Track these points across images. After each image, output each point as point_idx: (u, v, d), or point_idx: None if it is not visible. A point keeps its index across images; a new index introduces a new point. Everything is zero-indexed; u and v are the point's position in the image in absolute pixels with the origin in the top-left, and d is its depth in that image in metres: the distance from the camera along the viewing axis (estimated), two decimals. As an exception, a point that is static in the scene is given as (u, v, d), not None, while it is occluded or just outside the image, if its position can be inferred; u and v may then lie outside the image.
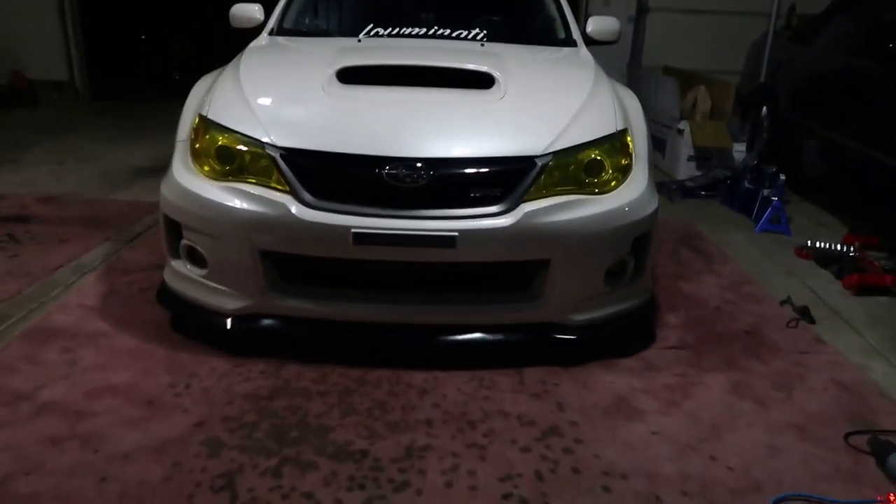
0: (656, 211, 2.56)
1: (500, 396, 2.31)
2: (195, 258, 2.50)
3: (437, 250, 2.30)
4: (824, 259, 3.65)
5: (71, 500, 1.77)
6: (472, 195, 2.34)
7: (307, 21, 3.75)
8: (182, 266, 2.55)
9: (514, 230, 2.30)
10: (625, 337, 2.67)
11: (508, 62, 2.86)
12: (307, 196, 2.31)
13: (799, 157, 4.89)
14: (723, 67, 6.94)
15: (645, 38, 7.47)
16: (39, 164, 5.09)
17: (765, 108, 5.43)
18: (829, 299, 3.25)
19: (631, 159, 2.58)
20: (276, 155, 2.34)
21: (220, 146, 2.44)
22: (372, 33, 3.33)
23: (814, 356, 2.69)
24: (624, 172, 2.54)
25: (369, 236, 2.27)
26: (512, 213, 2.32)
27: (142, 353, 2.48)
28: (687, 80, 5.77)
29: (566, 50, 3.42)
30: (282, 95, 2.65)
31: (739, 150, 5.18)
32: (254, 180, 2.37)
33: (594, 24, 3.57)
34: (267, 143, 2.36)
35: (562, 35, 3.63)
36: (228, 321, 2.47)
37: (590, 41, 3.56)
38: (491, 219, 2.31)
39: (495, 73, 2.67)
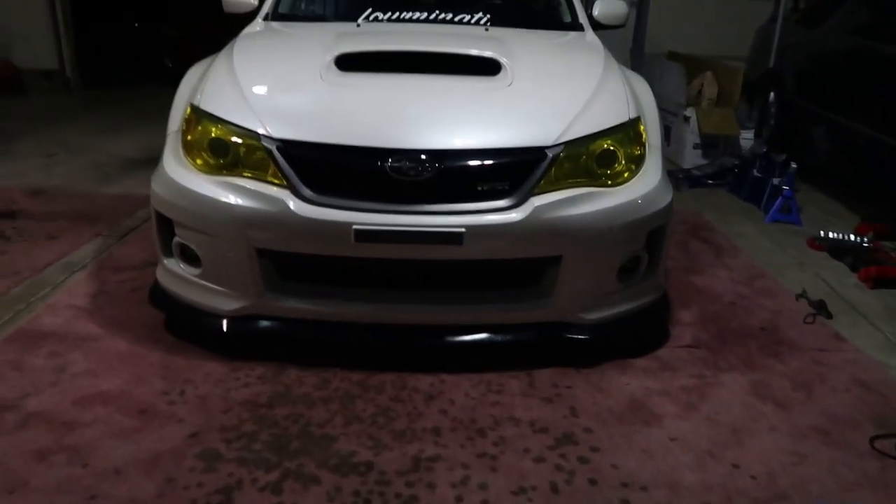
0: (671, 203, 2.45)
1: (511, 401, 2.20)
2: (189, 257, 2.38)
3: (443, 247, 2.19)
4: (838, 250, 3.54)
5: (58, 520, 1.67)
6: (479, 189, 2.22)
7: (303, 5, 3.61)
8: (175, 265, 2.43)
9: (524, 225, 2.18)
10: (638, 335, 2.56)
11: (515, 47, 2.73)
12: (306, 191, 2.19)
13: (808, 143, 4.78)
14: (727, 52, 6.81)
15: (648, 23, 7.29)
16: (28, 156, 4.95)
17: (772, 94, 5.30)
18: (844, 293, 3.14)
19: (644, 149, 2.46)
20: (273, 147, 2.22)
21: (214, 138, 2.31)
22: (371, 18, 3.19)
23: (833, 354, 2.59)
24: (637, 163, 2.42)
25: (372, 233, 2.15)
26: (521, 208, 2.20)
27: (134, 358, 2.37)
28: (692, 65, 5.63)
29: (573, 34, 3.29)
30: (278, 84, 2.52)
31: (747, 137, 5.07)
32: (249, 174, 2.25)
33: (601, 8, 3.43)
34: (262, 135, 2.24)
35: (568, 19, 3.49)
36: (224, 323, 2.36)
37: (596, 25, 3.43)
38: (499, 213, 2.19)
39: (502, 59, 2.54)
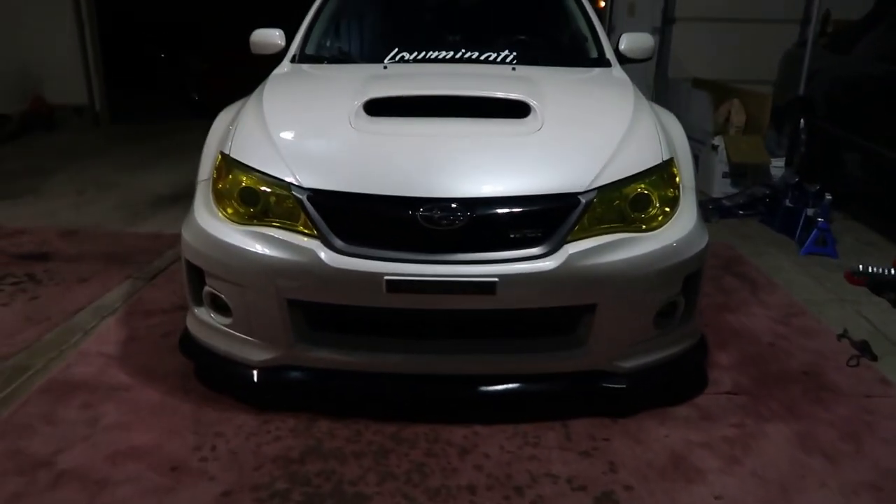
0: (707, 246, 2.39)
1: (547, 455, 2.14)
2: (219, 306, 2.37)
3: (475, 297, 2.15)
4: (878, 285, 3.44)
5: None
6: (511, 236, 2.18)
7: (330, 45, 3.63)
8: (205, 314, 2.43)
9: (558, 274, 2.14)
10: (676, 382, 2.49)
11: (543, 88, 2.71)
12: (336, 241, 2.17)
13: (841, 170, 4.69)
14: (752, 77, 6.74)
15: (671, 50, 7.26)
16: (59, 195, 5.02)
17: (802, 121, 5.21)
18: (888, 331, 3.04)
19: (678, 190, 2.42)
20: (303, 197, 2.21)
21: (244, 187, 2.31)
22: (398, 58, 3.20)
23: (881, 400, 2.50)
24: (671, 205, 2.37)
25: (403, 284, 2.12)
26: (555, 256, 2.16)
27: (165, 409, 2.35)
28: (719, 92, 5.58)
29: (600, 71, 3.26)
30: (307, 131, 2.52)
31: (777, 165, 4.98)
32: (279, 224, 2.24)
33: (627, 42, 3.41)
34: (293, 185, 2.23)
35: (594, 54, 3.46)
36: (255, 373, 2.34)
37: (623, 59, 3.40)
38: (532, 262, 2.15)
39: (531, 102, 2.52)
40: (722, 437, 2.25)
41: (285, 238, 2.20)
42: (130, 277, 3.47)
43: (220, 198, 2.37)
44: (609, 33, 7.52)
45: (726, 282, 3.53)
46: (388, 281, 2.11)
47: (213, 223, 2.32)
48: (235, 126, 2.54)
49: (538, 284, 2.15)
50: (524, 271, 2.14)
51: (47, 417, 2.29)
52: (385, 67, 3.07)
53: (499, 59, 3.21)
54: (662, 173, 2.38)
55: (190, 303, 2.47)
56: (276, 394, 2.37)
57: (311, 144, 2.45)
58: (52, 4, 7.47)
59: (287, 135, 2.43)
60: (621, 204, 2.28)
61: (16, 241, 3.96)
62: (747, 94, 5.37)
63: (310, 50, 3.43)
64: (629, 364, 2.32)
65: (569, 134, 2.44)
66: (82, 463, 2.08)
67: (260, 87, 2.90)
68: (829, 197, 3.97)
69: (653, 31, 7.24)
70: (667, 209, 2.36)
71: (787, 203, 4.34)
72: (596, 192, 2.23)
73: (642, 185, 2.31)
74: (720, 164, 5.07)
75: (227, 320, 2.35)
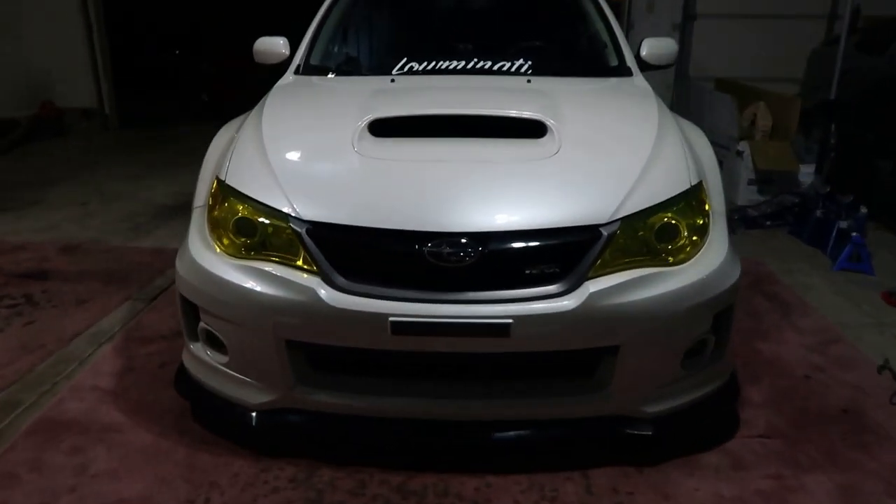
0: (739, 278, 2.20)
1: (566, 511, 1.98)
2: (215, 343, 2.22)
3: (488, 340, 1.98)
4: (919, 307, 3.24)
5: None
6: (527, 272, 2.01)
7: (336, 54, 3.45)
8: (201, 350, 2.28)
9: (578, 314, 1.96)
10: (706, 426, 2.31)
11: (560, 103, 2.52)
12: (338, 278, 2.00)
13: (875, 178, 4.45)
14: (777, 75, 6.51)
15: (692, 47, 7.02)
16: (62, 206, 4.92)
17: (832, 125, 4.97)
18: (932, 361, 2.83)
19: (708, 218, 2.23)
20: (302, 230, 2.04)
21: (240, 218, 2.15)
22: (406, 68, 3.02)
23: (929, 444, 2.30)
24: (700, 234, 2.18)
25: (410, 326, 1.95)
26: (575, 294, 1.98)
27: (158, 454, 2.21)
28: (743, 94, 5.34)
29: (621, 80, 3.06)
30: (308, 155, 2.35)
31: (807, 172, 4.75)
32: (277, 258, 2.08)
33: (649, 47, 3.22)
34: (291, 216, 2.07)
35: (614, 62, 3.26)
36: (253, 416, 2.19)
37: (644, 66, 3.21)
38: (550, 301, 1.97)
39: (547, 121, 2.34)
40: (756, 491, 2.06)
41: (283, 275, 2.04)
42: (130, 299, 3.34)
43: (216, 227, 2.22)
44: (627, 31, 7.31)
45: (756, 304, 3.33)
46: (393, 323, 1.95)
47: (207, 256, 2.17)
48: (232, 149, 2.38)
49: (556, 326, 1.97)
50: (541, 312, 1.96)
51: (33, 464, 2.16)
52: (393, 80, 2.89)
53: (513, 69, 3.02)
54: (690, 200, 2.19)
55: (185, 338, 2.33)
56: (275, 438, 2.22)
57: (311, 171, 2.28)
58: (60, 8, 7.39)
59: (286, 160, 2.27)
60: (646, 235, 2.09)
61: (15, 258, 3.85)
62: (774, 97, 5.13)
63: (315, 60, 3.26)
64: (655, 408, 2.14)
65: (588, 158, 2.25)
66: (67, 518, 1.94)
67: (260, 102, 2.74)
68: (864, 210, 3.75)
69: (673, 28, 7.02)
70: (695, 238, 2.17)
71: (818, 214, 4.12)
72: (619, 223, 2.04)
73: (669, 214, 2.13)
74: (746, 171, 4.85)
75: (224, 358, 2.20)
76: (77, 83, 7.68)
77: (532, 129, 2.32)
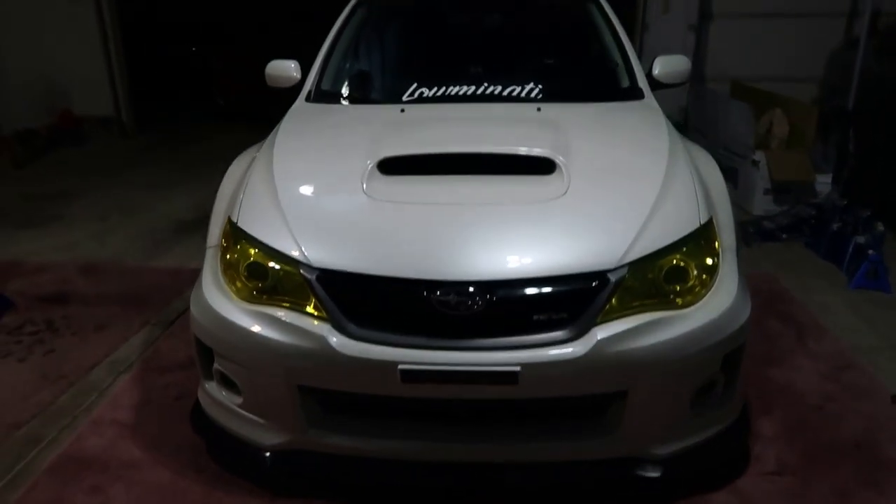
0: (749, 318, 2.19)
1: (575, 556, 2.00)
2: (229, 383, 2.27)
3: (497, 387, 2.00)
4: (937, 329, 3.20)
5: None
6: (535, 318, 2.02)
7: (346, 78, 3.44)
8: (216, 390, 2.32)
9: (586, 361, 1.97)
10: (716, 465, 2.31)
11: (570, 136, 2.52)
12: (348, 325, 2.03)
13: (891, 189, 4.37)
14: (796, 75, 6.40)
15: (708, 47, 6.91)
16: (83, 221, 5.00)
17: (851, 133, 4.89)
18: (950, 389, 2.81)
19: (717, 257, 2.22)
20: (312, 277, 2.07)
21: (252, 262, 2.19)
22: (416, 94, 3.02)
23: (944, 482, 2.29)
24: (710, 273, 2.18)
25: (419, 373, 1.98)
26: (582, 340, 1.99)
27: (175, 492, 2.27)
28: (759, 100, 5.27)
29: (632, 105, 3.04)
30: (318, 197, 2.38)
31: (824, 181, 4.69)
32: (288, 304, 2.11)
33: (661, 66, 3.19)
34: (301, 262, 2.09)
35: (626, 82, 3.23)
36: (267, 457, 2.23)
37: (656, 85, 3.18)
38: (558, 347, 1.98)
39: (557, 158, 2.34)
40: (766, 534, 2.07)
41: (294, 321, 2.07)
42: (148, 324, 3.40)
43: (228, 269, 2.26)
44: (643, 32, 7.23)
45: (770, 325, 3.31)
46: (402, 371, 1.97)
47: (220, 301, 2.21)
48: (244, 189, 2.41)
49: (564, 372, 1.98)
50: (549, 359, 1.97)
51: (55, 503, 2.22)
52: (403, 110, 2.89)
53: (523, 94, 3.01)
54: (700, 239, 2.18)
55: (201, 377, 2.37)
56: (289, 479, 2.26)
57: (321, 214, 2.30)
58: (76, 17, 7.45)
59: (296, 202, 2.29)
60: (655, 277, 2.09)
61: (36, 281, 3.93)
62: (791, 104, 5.06)
63: (326, 85, 3.27)
64: (664, 450, 2.15)
65: (597, 199, 2.24)
66: (88, 562, 2.00)
67: (272, 135, 2.77)
68: (881, 227, 3.70)
69: (689, 29, 6.92)
70: (705, 277, 2.16)
71: (835, 227, 4.07)
72: (627, 267, 2.04)
73: (678, 256, 2.12)
74: (762, 181, 4.80)
75: (238, 399, 2.24)
76: (94, 91, 7.75)
77: (541, 166, 2.33)
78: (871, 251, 3.67)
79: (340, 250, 2.12)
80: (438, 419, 2.16)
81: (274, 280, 2.15)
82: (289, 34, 6.87)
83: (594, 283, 2.02)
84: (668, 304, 2.09)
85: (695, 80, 6.72)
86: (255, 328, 2.10)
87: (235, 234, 2.27)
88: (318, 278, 2.06)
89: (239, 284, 2.21)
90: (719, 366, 2.16)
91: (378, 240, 2.14)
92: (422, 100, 3.00)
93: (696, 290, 2.14)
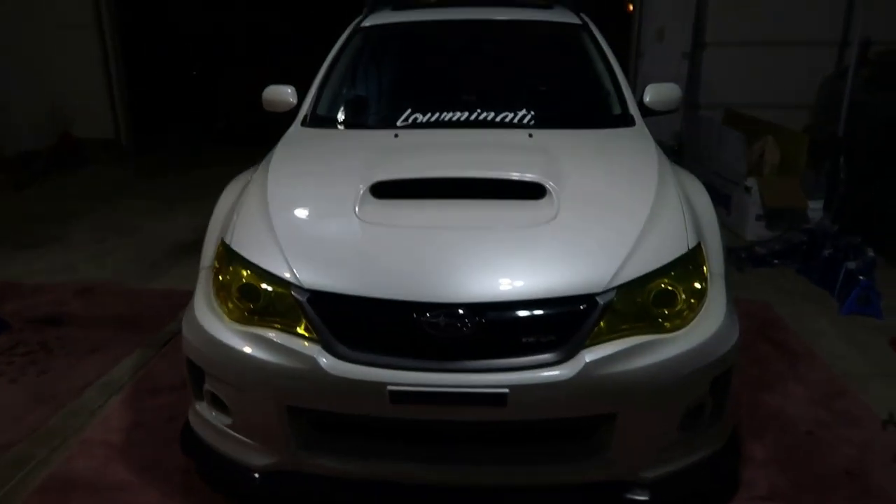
0: (738, 342, 2.21)
1: (563, 581, 1.99)
2: (219, 404, 2.27)
3: (485, 409, 2.01)
4: (928, 355, 3.21)
5: None
6: (523, 341, 2.04)
7: (341, 103, 3.49)
8: (206, 411, 2.33)
9: (575, 383, 1.98)
10: (705, 489, 2.31)
11: (560, 161, 2.56)
12: (338, 346, 2.05)
13: (883, 217, 4.41)
14: (787, 102, 6.49)
15: (702, 74, 7.02)
16: (80, 243, 5.03)
17: (841, 160, 4.95)
18: (940, 414, 2.81)
19: (706, 281, 2.24)
20: (303, 299, 2.09)
21: (244, 284, 2.21)
22: (410, 120, 3.07)
23: (934, 509, 2.29)
24: (698, 298, 2.20)
25: (408, 395, 1.99)
26: (571, 363, 2.00)
27: (163, 515, 2.26)
28: (752, 127, 5.34)
29: (622, 132, 3.08)
30: (311, 221, 2.41)
31: (816, 207, 4.73)
32: (279, 325, 2.12)
33: (652, 94, 3.24)
34: (293, 284, 2.11)
35: (617, 110, 3.28)
36: (257, 478, 2.23)
37: (647, 112, 3.23)
38: (546, 369, 2.00)
39: (547, 183, 2.37)
40: (755, 559, 2.07)
41: (284, 342, 2.08)
42: (140, 346, 3.40)
43: (221, 291, 2.28)
44: (637, 59, 7.35)
45: (762, 351, 3.32)
46: (391, 392, 1.98)
47: (212, 322, 2.22)
48: (238, 212, 2.44)
49: (552, 395, 2.00)
50: (537, 381, 1.98)
51: (42, 526, 2.22)
52: (396, 136, 2.94)
53: (516, 121, 3.06)
54: (688, 264, 2.21)
55: (191, 397, 2.38)
56: (278, 500, 2.26)
57: (313, 238, 2.33)
58: (78, 40, 7.56)
59: (289, 225, 2.32)
60: (643, 301, 2.11)
61: (33, 302, 3.94)
62: (782, 132, 5.12)
63: (321, 110, 3.32)
64: (652, 473, 2.15)
65: (586, 223, 2.27)
66: (73, 585, 1.99)
67: (266, 159, 2.80)
68: (871, 254, 3.73)
69: (683, 57, 7.03)
70: (693, 301, 2.18)
71: (826, 254, 4.10)
72: (615, 291, 2.06)
73: (666, 280, 2.14)
74: (754, 207, 4.84)
75: (228, 420, 2.25)
76: (95, 114, 7.83)
77: (531, 191, 2.36)
78: (862, 277, 3.69)
79: (332, 272, 2.15)
80: (427, 441, 2.17)
81: (266, 301, 2.16)
82: (290, 60, 6.93)
83: (583, 306, 2.04)
84: (657, 328, 2.10)
85: (689, 106, 6.83)
86: (246, 349, 2.12)
87: (228, 256, 2.30)
88: (309, 300, 2.08)
89: (231, 305, 2.23)
90: (708, 389, 2.17)
91: (369, 262, 2.16)
92: (416, 125, 3.04)
93: (685, 314, 2.16)
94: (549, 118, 3.08)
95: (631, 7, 7.32)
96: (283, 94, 3.31)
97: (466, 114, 3.08)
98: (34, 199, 6.33)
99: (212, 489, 2.36)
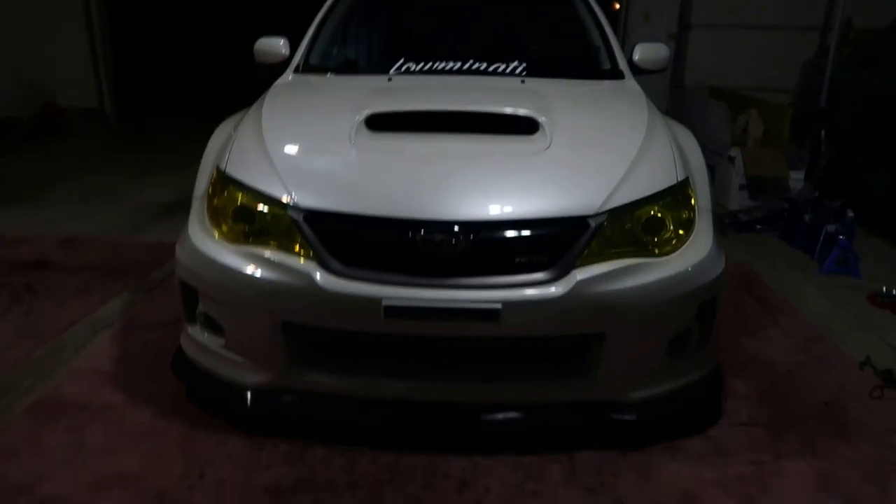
0: (724, 271, 2.27)
1: (551, 492, 2.03)
2: (213, 326, 2.28)
3: (478, 324, 2.05)
4: (903, 309, 3.30)
5: None
6: (516, 260, 2.07)
7: (335, 54, 3.53)
8: (199, 333, 2.34)
9: (565, 301, 2.03)
10: (690, 413, 2.37)
11: (552, 102, 2.60)
12: (333, 263, 2.07)
13: (865, 188, 4.52)
14: (771, 85, 6.61)
15: (687, 56, 7.12)
16: (63, 203, 4.96)
17: (823, 133, 5.05)
18: (914, 359, 2.90)
19: (694, 213, 2.29)
20: (299, 217, 2.11)
21: (239, 206, 2.22)
22: (403, 69, 3.10)
23: (907, 435, 2.36)
24: (686, 228, 2.26)
25: (402, 310, 2.02)
26: (562, 281, 2.04)
27: (154, 432, 2.27)
28: (736, 102, 5.43)
29: (613, 83, 3.14)
30: (306, 148, 2.42)
31: (797, 178, 4.83)
32: (275, 244, 2.14)
33: (641, 52, 3.28)
34: (289, 204, 2.13)
35: (607, 65, 3.33)
36: (248, 396, 2.24)
37: (636, 70, 3.28)
38: (538, 287, 2.04)
39: (539, 118, 2.41)
40: (737, 475, 2.12)
41: (280, 260, 2.10)
42: (128, 290, 3.39)
43: (216, 215, 2.29)
44: (624, 41, 7.41)
45: (744, 303, 3.40)
46: (386, 307, 2.01)
47: (206, 242, 2.23)
48: (233, 141, 2.45)
49: (544, 312, 2.04)
50: (529, 298, 2.02)
51: (31, 440, 2.21)
52: (389, 80, 2.96)
53: (508, 71, 3.09)
54: (677, 195, 2.26)
55: (184, 321, 2.39)
56: (269, 417, 2.27)
57: (309, 162, 2.35)
58: (63, 9, 7.46)
59: (285, 151, 2.33)
60: (633, 227, 2.16)
61: (15, 251, 3.90)
62: (765, 105, 5.23)
63: (314, 59, 3.33)
64: (639, 394, 2.21)
65: (578, 153, 2.32)
66: (64, 490, 1.99)
67: (260, 98, 2.81)
68: (850, 214, 3.82)
69: (669, 38, 7.13)
70: (681, 232, 2.24)
71: (807, 219, 4.19)
72: (606, 215, 2.11)
73: (655, 208, 2.20)
74: (737, 177, 4.93)
75: (221, 341, 2.26)
76: (79, 84, 7.73)
77: (524, 126, 2.39)
78: (840, 237, 3.78)
79: (327, 192, 2.17)
80: (419, 359, 2.20)
81: (261, 223, 2.18)
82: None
83: (574, 228, 2.08)
84: (646, 252, 2.16)
85: (674, 87, 6.93)
86: (242, 267, 2.13)
87: (223, 181, 2.31)
88: (305, 218, 2.10)
89: (225, 228, 2.24)
90: (694, 315, 2.22)
91: (365, 182, 2.19)
92: (408, 73, 3.07)
93: (673, 242, 2.21)
94: (540, 69, 3.12)
95: (617, 6, 7.40)
96: (274, 45, 3.30)
97: (459, 63, 3.12)
98: (16, 165, 6.24)
99: (203, 410, 2.36)
